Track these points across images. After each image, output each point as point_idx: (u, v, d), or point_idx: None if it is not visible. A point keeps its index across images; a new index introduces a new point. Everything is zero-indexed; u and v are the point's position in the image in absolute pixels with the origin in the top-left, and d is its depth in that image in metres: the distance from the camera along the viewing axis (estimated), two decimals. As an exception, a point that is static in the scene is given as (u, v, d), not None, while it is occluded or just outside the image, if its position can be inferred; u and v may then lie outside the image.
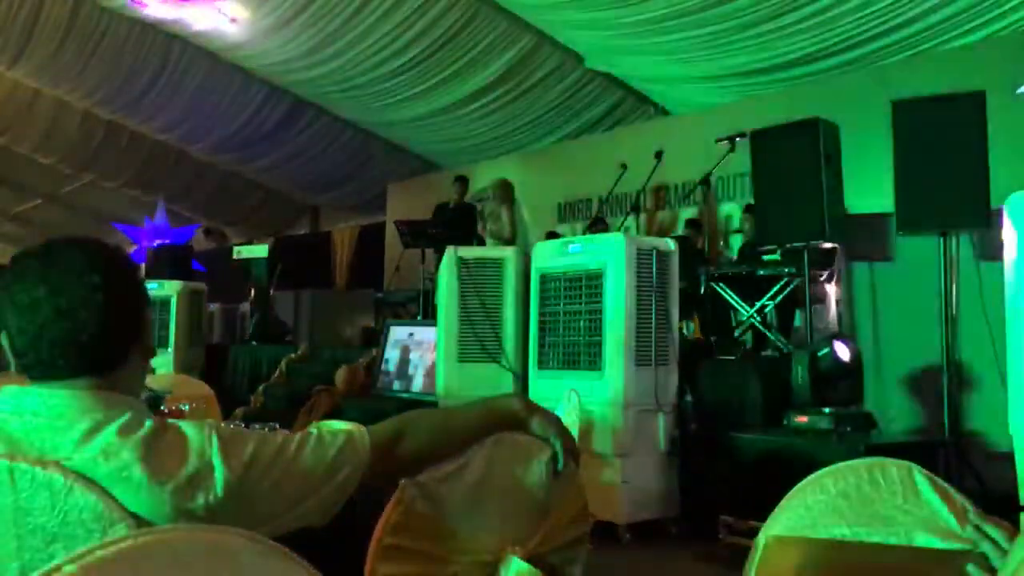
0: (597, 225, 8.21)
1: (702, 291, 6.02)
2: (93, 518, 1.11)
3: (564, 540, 1.52)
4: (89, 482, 1.13)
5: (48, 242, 1.27)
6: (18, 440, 1.16)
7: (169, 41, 11.09)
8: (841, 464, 1.47)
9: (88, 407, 1.19)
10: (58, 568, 0.84)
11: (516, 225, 8.35)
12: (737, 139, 5.84)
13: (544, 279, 5.10)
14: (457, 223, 8.55)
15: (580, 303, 4.85)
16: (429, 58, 9.96)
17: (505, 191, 8.47)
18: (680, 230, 8.67)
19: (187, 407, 3.01)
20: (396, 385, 7.00)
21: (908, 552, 1.35)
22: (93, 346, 1.23)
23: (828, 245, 5.22)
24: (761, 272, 5.67)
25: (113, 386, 1.24)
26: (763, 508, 1.52)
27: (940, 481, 1.41)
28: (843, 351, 4.37)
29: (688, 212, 9.33)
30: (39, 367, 1.23)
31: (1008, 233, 3.11)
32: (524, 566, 1.36)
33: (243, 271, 9.67)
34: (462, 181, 9.23)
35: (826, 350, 4.37)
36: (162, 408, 2.63)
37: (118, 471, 1.14)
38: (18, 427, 1.18)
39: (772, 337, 5.62)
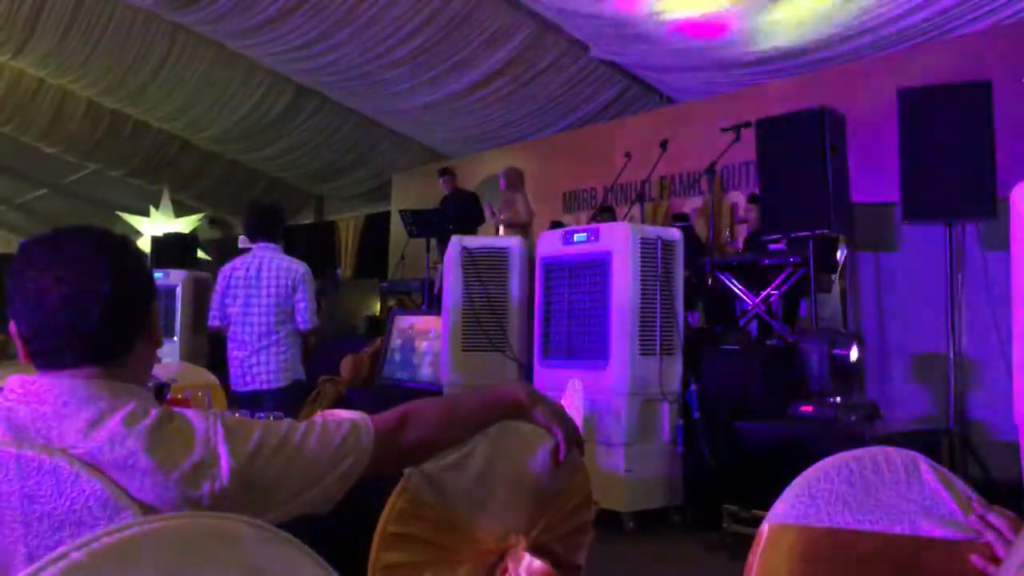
0: (604, 213, 8.21)
1: (707, 281, 6.02)
2: (99, 505, 1.12)
3: (568, 528, 1.53)
4: (95, 470, 1.14)
5: (56, 231, 1.28)
6: (24, 428, 1.17)
7: (173, 30, 11.07)
8: (845, 453, 1.47)
9: (93, 396, 1.20)
10: (64, 555, 0.84)
11: (531, 210, 8.42)
12: (742, 128, 5.83)
13: (549, 268, 5.11)
14: (460, 210, 8.58)
15: (585, 292, 4.85)
16: (433, 47, 9.93)
17: (513, 178, 8.51)
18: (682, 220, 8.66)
19: (192, 395, 3.02)
20: (401, 374, 7.02)
21: (911, 541, 1.36)
22: (98, 335, 1.23)
23: (833, 234, 5.20)
24: (766, 261, 5.66)
25: (119, 375, 1.25)
26: (766, 497, 1.52)
27: (944, 470, 1.41)
28: (852, 344, 4.37)
29: (693, 201, 9.32)
30: (45, 355, 1.23)
31: (1014, 222, 3.10)
32: (536, 564, 1.36)
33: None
34: (446, 173, 9.31)
35: (839, 342, 4.37)
36: (167, 396, 2.64)
37: (124, 459, 1.15)
38: (25, 415, 1.18)
39: (777, 327, 5.62)
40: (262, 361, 4.41)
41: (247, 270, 4.45)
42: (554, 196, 10.87)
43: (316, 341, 5.02)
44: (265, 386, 4.41)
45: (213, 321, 4.58)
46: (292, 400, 4.48)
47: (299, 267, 4.47)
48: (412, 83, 10.76)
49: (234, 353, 4.49)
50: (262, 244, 4.51)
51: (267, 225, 4.60)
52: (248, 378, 4.44)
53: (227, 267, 4.58)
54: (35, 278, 1.22)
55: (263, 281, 4.41)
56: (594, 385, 4.57)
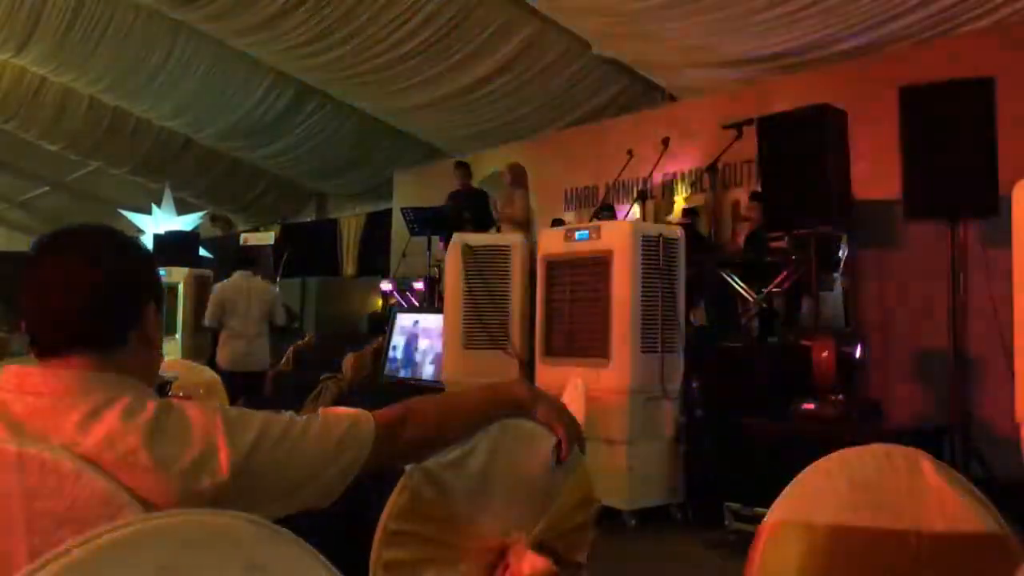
0: (604, 212, 8.19)
1: (709, 278, 6.01)
2: (101, 502, 1.12)
3: (569, 526, 1.52)
4: (96, 467, 1.13)
5: (65, 228, 1.31)
6: (21, 422, 1.17)
7: (175, 28, 11.07)
8: (847, 450, 1.47)
9: (89, 388, 1.20)
10: (66, 552, 0.84)
11: (530, 207, 8.38)
12: (744, 126, 5.82)
13: (550, 266, 5.10)
14: (473, 209, 8.55)
15: (586, 290, 4.84)
16: (435, 45, 9.92)
17: (518, 174, 8.47)
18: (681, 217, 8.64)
19: (193, 394, 3.02)
20: (402, 372, 7.02)
21: (913, 538, 1.35)
22: (86, 321, 1.24)
23: (835, 232, 5.20)
24: (768, 259, 5.66)
25: (112, 368, 1.25)
26: (768, 494, 1.52)
27: (946, 467, 1.41)
28: (857, 343, 4.37)
29: (695, 199, 9.30)
30: (41, 344, 1.25)
31: (1016, 220, 3.09)
32: (538, 561, 1.36)
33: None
34: (464, 167, 9.20)
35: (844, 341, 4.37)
36: (168, 394, 2.64)
37: (124, 456, 1.15)
38: (21, 409, 1.18)
39: (778, 324, 5.61)
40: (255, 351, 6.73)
41: (238, 289, 6.71)
42: (555, 193, 10.85)
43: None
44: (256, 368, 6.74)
45: (212, 322, 6.73)
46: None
47: (274, 287, 7.21)
48: (413, 80, 10.75)
49: (234, 345, 6.65)
50: (244, 272, 6.79)
51: (248, 262, 7.02)
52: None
53: (218, 286, 6.81)
54: (39, 273, 1.26)
55: (253, 297, 6.71)
56: (596, 383, 4.57)
